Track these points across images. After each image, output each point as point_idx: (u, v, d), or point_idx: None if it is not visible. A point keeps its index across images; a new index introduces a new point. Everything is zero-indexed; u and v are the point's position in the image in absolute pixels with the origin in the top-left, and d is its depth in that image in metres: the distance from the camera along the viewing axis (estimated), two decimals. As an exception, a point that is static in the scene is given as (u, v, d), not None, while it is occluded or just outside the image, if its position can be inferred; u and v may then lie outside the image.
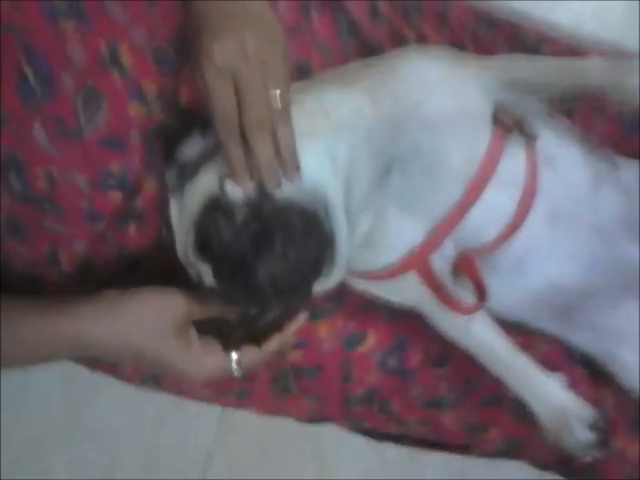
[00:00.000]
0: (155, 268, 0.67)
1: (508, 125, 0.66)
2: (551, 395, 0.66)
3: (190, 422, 0.93)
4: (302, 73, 0.71)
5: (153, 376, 0.72)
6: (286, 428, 0.85)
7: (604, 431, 0.65)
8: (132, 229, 0.66)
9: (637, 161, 0.77)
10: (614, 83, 0.65)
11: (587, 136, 0.76)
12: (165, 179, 0.63)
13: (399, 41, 0.75)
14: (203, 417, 0.91)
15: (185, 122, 0.62)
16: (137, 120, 0.62)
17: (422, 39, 0.76)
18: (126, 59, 0.60)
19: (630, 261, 0.70)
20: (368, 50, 0.74)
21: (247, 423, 0.78)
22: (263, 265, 0.57)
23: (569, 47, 0.80)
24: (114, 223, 0.64)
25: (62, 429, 0.92)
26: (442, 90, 0.65)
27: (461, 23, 0.78)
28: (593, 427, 0.65)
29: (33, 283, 0.66)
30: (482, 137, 0.65)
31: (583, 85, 0.67)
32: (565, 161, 0.70)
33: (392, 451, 0.80)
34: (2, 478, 0.88)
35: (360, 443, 0.81)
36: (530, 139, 0.67)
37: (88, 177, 0.61)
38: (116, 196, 0.63)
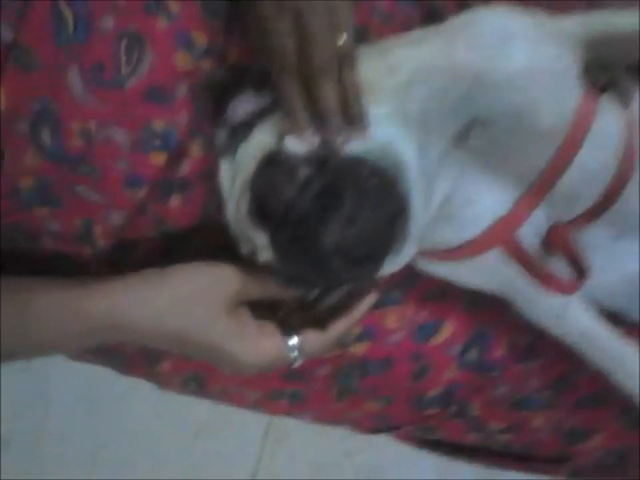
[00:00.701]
0: (199, 249, 0.59)
1: (601, 83, 0.59)
2: (669, 391, 0.56)
3: (234, 433, 0.83)
4: (360, 41, 0.65)
5: (195, 376, 0.63)
6: (336, 446, 0.75)
7: None
8: (175, 201, 0.58)
9: None
10: None
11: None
12: (214, 141, 0.55)
13: (464, 8, 0.69)
14: (249, 428, 0.81)
15: (236, 78, 0.55)
16: (185, 73, 0.55)
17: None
18: (173, 4, 0.54)
19: None
20: (431, 17, 0.69)
21: (296, 436, 0.68)
22: (330, 228, 0.48)
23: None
24: (155, 192, 0.57)
25: (99, 433, 0.82)
26: (527, 42, 0.58)
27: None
28: None
29: (60, 260, 0.58)
30: (572, 94, 0.57)
31: None
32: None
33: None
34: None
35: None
36: (625, 96, 0.59)
37: (128, 135, 0.54)
38: (159, 158, 0.55)
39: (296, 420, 0.66)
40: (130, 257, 0.59)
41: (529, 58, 0.58)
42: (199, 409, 0.78)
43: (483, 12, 0.61)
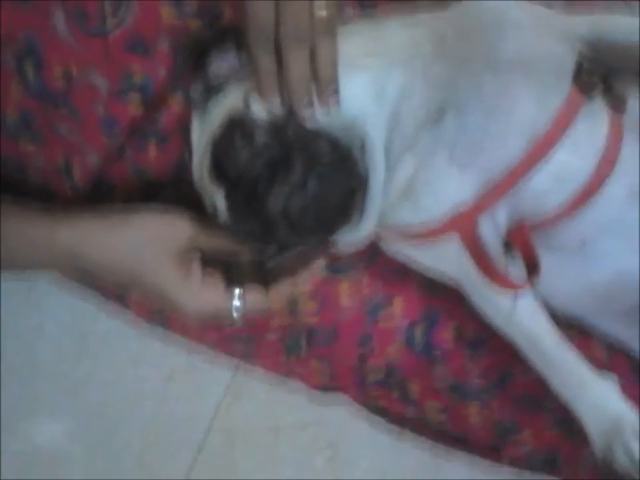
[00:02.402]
0: (175, 195, 0.62)
1: (592, 82, 0.57)
2: (602, 401, 0.55)
3: (199, 383, 0.87)
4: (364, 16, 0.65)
5: (159, 312, 0.66)
6: (299, 406, 0.77)
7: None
8: (152, 148, 0.61)
9: None
10: None
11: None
12: (190, 94, 0.57)
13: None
14: (212, 380, 0.84)
15: (221, 34, 0.56)
16: (169, 26, 0.56)
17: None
18: None
19: None
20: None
21: (257, 395, 0.70)
22: (276, 193, 0.50)
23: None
24: (133, 140, 0.59)
25: (74, 376, 0.88)
26: (521, 30, 0.56)
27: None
28: None
29: (46, 194, 0.61)
30: (559, 90, 0.56)
31: None
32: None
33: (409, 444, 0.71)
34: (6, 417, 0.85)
35: (375, 434, 0.72)
36: (617, 102, 0.57)
37: (108, 80, 0.56)
38: (136, 106, 0.57)
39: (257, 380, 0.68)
40: (109, 199, 0.62)
41: (521, 45, 0.56)
42: (171, 355, 0.82)
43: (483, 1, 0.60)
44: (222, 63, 0.56)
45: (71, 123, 0.57)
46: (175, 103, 0.59)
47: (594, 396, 0.55)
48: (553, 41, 0.57)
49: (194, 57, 0.57)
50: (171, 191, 0.62)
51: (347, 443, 0.84)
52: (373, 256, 0.62)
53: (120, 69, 0.56)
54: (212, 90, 0.56)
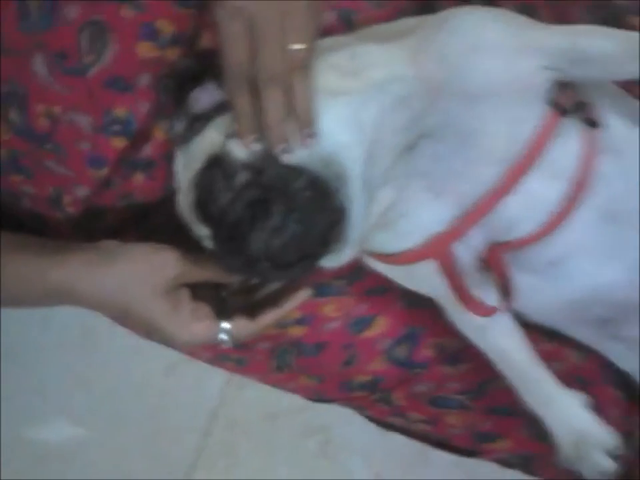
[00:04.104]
0: (164, 220, 0.64)
1: (565, 107, 0.57)
2: (569, 414, 0.59)
3: (199, 376, 0.91)
4: (345, 24, 0.65)
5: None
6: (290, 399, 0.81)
7: (626, 460, 0.58)
8: (139, 178, 0.62)
9: None
10: None
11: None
12: (171, 129, 0.58)
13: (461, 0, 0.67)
14: (213, 373, 0.89)
15: (201, 67, 0.57)
16: (148, 61, 0.57)
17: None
18: None
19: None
20: (423, 7, 0.67)
21: (256, 383, 0.74)
22: (257, 236, 0.52)
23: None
24: (119, 170, 0.61)
25: (77, 366, 0.93)
26: (496, 55, 0.57)
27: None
28: (614, 454, 0.57)
29: (38, 221, 0.64)
30: (531, 116, 0.57)
31: None
32: (631, 151, 0.60)
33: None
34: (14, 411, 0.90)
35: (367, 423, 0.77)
36: (591, 125, 0.58)
37: (91, 119, 0.57)
38: (120, 142, 0.59)
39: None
40: (98, 223, 0.64)
41: (494, 71, 0.56)
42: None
43: (460, 15, 0.60)
44: (203, 96, 0.57)
45: (58, 160, 0.59)
46: (160, 132, 0.61)
47: (562, 410, 0.59)
48: (528, 60, 0.57)
49: (175, 91, 0.58)
50: (160, 215, 0.64)
51: (339, 427, 0.90)
52: (356, 274, 0.65)
53: (102, 105, 0.57)
54: (194, 124, 0.57)
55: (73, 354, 0.92)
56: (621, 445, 0.57)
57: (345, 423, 0.89)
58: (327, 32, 0.63)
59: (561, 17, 0.67)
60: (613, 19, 0.67)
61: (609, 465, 0.57)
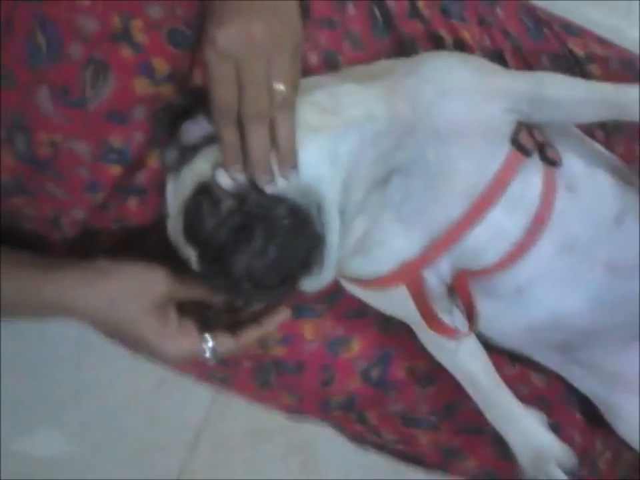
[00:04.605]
0: (155, 243, 0.68)
1: (527, 147, 0.62)
2: (529, 432, 0.63)
3: (187, 393, 0.95)
4: (329, 64, 0.70)
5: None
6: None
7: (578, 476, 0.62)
8: (133, 203, 0.67)
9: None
10: None
11: (626, 165, 0.72)
12: (163, 159, 0.63)
13: (435, 43, 0.72)
14: (200, 390, 0.92)
15: (193, 103, 0.62)
16: (144, 96, 0.62)
17: (459, 43, 0.72)
18: (139, 34, 0.61)
19: (646, 305, 0.65)
20: (402, 49, 0.72)
21: (241, 401, 0.78)
22: (239, 259, 0.56)
23: (620, 68, 0.73)
24: (115, 195, 0.65)
25: (68, 380, 0.96)
26: (463, 98, 0.62)
27: (504, 31, 0.73)
28: (568, 469, 0.61)
29: (39, 241, 0.68)
30: (496, 155, 0.62)
31: (621, 115, 0.62)
32: (588, 189, 0.65)
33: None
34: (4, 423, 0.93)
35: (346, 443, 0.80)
36: (551, 164, 0.63)
37: (90, 148, 0.62)
38: (116, 169, 0.63)
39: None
40: (93, 244, 0.68)
41: (462, 114, 0.61)
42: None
43: (431, 61, 0.65)
44: (194, 128, 0.62)
45: (58, 185, 0.64)
46: (154, 161, 0.65)
47: (522, 429, 0.63)
48: (493, 103, 0.62)
49: (169, 124, 0.62)
50: (151, 237, 0.69)
51: (320, 446, 0.93)
52: (334, 297, 0.69)
53: (100, 136, 0.62)
54: (185, 155, 0.61)
55: (64, 368, 0.95)
56: (574, 460, 0.61)
57: (325, 442, 0.92)
58: (311, 71, 0.69)
59: (527, 64, 0.73)
60: (571, 65, 0.73)
61: (562, 478, 0.61)
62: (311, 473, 0.95)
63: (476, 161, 0.61)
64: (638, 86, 0.62)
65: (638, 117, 0.61)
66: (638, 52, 0.79)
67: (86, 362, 0.96)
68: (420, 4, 0.72)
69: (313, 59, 0.69)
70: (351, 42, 0.70)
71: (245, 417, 0.95)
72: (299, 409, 0.73)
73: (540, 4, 0.79)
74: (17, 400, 0.95)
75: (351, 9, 0.71)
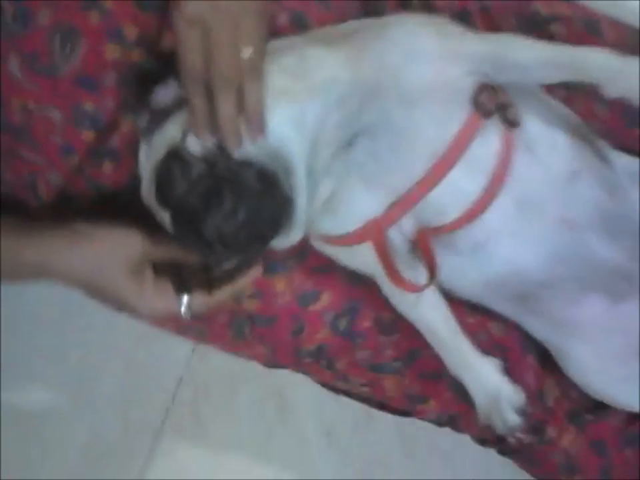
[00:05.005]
0: (131, 205, 0.70)
1: (488, 108, 0.65)
2: (485, 378, 0.68)
3: (167, 346, 0.99)
4: (297, 25, 0.71)
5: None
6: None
7: (532, 416, 0.67)
8: (107, 166, 0.69)
9: (635, 157, 0.75)
10: (614, 79, 0.63)
11: (585, 124, 0.74)
12: (137, 123, 0.64)
13: (403, 4, 0.73)
14: (179, 343, 0.96)
15: (163, 66, 0.63)
16: (113, 62, 0.63)
17: (427, 4, 0.74)
18: (108, 1, 0.61)
19: (598, 259, 0.69)
20: (370, 10, 0.73)
21: (219, 354, 0.82)
22: (210, 221, 0.59)
23: (584, 29, 0.75)
24: (89, 159, 0.67)
25: (52, 337, 1.00)
26: (426, 60, 0.64)
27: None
28: (521, 411, 0.66)
29: (18, 205, 0.70)
30: (457, 116, 0.64)
31: (581, 77, 0.64)
32: (545, 148, 0.68)
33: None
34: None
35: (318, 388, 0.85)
36: (510, 125, 0.66)
37: (62, 113, 0.63)
38: (89, 134, 0.65)
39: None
40: (71, 207, 0.70)
41: (424, 76, 0.63)
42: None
43: (395, 24, 0.66)
44: (165, 92, 0.63)
45: (33, 151, 0.65)
46: (126, 125, 0.67)
47: (479, 374, 0.68)
48: (457, 66, 0.64)
49: (139, 90, 0.64)
50: (127, 200, 0.71)
51: (294, 391, 0.99)
52: (303, 254, 0.72)
53: (71, 102, 0.63)
54: (157, 118, 0.63)
55: (49, 327, 0.98)
56: (526, 402, 0.66)
57: (298, 387, 0.97)
58: (279, 32, 0.70)
59: (494, 24, 0.74)
60: (536, 25, 0.75)
61: (515, 419, 0.66)
62: (285, 416, 1.01)
63: (437, 123, 0.64)
64: (598, 49, 0.64)
65: (596, 79, 0.63)
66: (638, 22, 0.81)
67: (68, 321, 1.00)
68: None
69: (282, 19, 0.71)
70: (319, 2, 0.71)
71: (222, 367, 1.00)
72: (272, 358, 0.77)
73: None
74: (4, 356, 0.98)
75: None
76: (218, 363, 1.00)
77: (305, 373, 0.79)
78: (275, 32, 0.69)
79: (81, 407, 1.00)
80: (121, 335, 0.99)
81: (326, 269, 0.73)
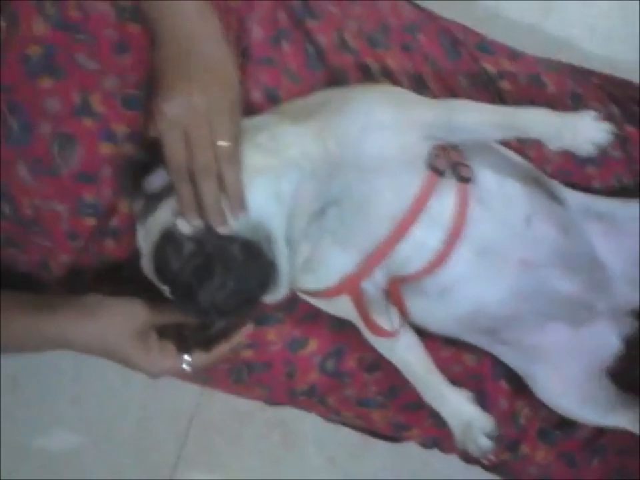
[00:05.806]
0: (133, 274, 0.78)
1: (442, 169, 0.72)
2: (458, 409, 0.75)
3: (176, 389, 1.08)
4: (270, 99, 0.79)
5: None
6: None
7: (506, 435, 0.76)
8: (110, 243, 0.77)
9: (586, 194, 0.82)
10: (554, 136, 0.69)
11: (537, 169, 0.82)
12: (132, 208, 0.73)
13: (363, 71, 0.80)
14: (187, 387, 1.04)
15: (153, 155, 0.71)
16: (108, 157, 0.72)
17: (385, 70, 0.81)
18: (97, 106, 0.70)
19: (558, 293, 0.77)
20: (334, 79, 0.81)
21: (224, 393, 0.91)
22: (203, 294, 0.67)
23: (528, 83, 0.83)
24: (93, 239, 0.76)
25: (71, 390, 1.09)
26: (382, 132, 0.71)
27: (424, 55, 0.82)
28: (491, 436, 0.74)
29: (33, 281, 0.78)
30: (414, 180, 0.71)
31: (524, 135, 0.72)
32: (499, 199, 0.75)
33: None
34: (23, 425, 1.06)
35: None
36: (464, 181, 0.73)
37: (66, 206, 0.72)
38: (91, 221, 0.74)
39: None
40: (80, 279, 0.79)
41: (382, 147, 0.70)
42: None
43: (354, 99, 0.73)
44: (155, 179, 0.71)
45: (43, 237, 0.74)
46: (124, 206, 0.75)
47: (453, 407, 0.76)
48: (412, 133, 0.72)
49: (132, 179, 0.72)
50: (130, 271, 0.79)
51: (296, 422, 1.08)
52: (293, 305, 0.80)
53: (73, 196, 0.72)
54: (150, 204, 0.71)
55: (67, 377, 1.07)
56: (496, 428, 0.74)
57: (300, 418, 1.06)
58: (254, 107, 0.78)
59: (447, 85, 0.82)
60: (486, 83, 0.82)
61: (487, 443, 0.74)
62: (290, 444, 1.10)
63: (397, 188, 0.71)
64: (537, 109, 0.71)
65: (538, 137, 0.70)
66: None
67: (85, 371, 1.08)
68: (347, 37, 0.81)
69: (256, 95, 0.78)
70: (288, 77, 0.79)
71: (229, 404, 1.09)
72: (270, 398, 0.85)
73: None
74: (28, 403, 1.07)
75: (286, 46, 0.79)
76: (225, 401, 1.09)
77: (301, 409, 0.87)
78: (250, 107, 0.77)
79: (99, 448, 1.09)
80: (134, 382, 1.07)
81: (312, 317, 0.81)
